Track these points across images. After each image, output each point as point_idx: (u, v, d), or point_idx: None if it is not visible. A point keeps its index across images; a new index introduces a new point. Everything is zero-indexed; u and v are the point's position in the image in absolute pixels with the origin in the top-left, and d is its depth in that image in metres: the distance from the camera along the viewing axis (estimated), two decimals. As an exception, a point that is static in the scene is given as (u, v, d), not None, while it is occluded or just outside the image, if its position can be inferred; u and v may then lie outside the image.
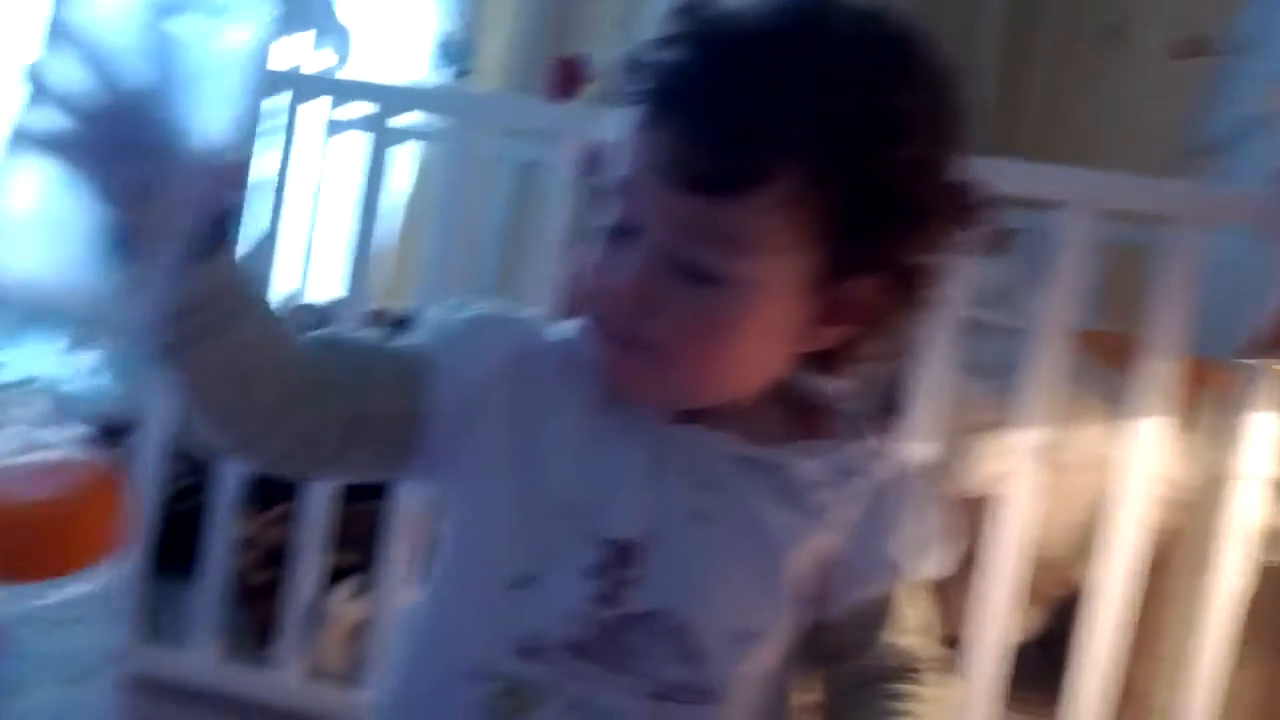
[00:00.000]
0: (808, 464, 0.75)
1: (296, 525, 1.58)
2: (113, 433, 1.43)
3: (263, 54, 0.51)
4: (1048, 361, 1.44)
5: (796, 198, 0.68)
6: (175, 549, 1.57)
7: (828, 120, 0.68)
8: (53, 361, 0.47)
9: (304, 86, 1.70)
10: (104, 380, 0.47)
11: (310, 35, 2.14)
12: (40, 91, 0.48)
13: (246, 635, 1.61)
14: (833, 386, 0.82)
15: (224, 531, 1.60)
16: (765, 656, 0.75)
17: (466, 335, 0.76)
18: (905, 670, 0.77)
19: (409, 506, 1.55)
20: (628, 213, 0.72)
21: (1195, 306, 1.42)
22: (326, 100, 1.72)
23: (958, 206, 0.73)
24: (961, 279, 1.43)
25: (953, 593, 1.28)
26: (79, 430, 0.49)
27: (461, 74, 2.55)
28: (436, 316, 0.78)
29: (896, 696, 0.75)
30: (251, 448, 0.71)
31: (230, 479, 1.60)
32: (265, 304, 0.67)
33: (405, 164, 2.45)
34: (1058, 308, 1.44)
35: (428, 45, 2.56)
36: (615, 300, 0.70)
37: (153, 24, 0.48)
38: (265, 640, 1.60)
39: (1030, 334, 1.45)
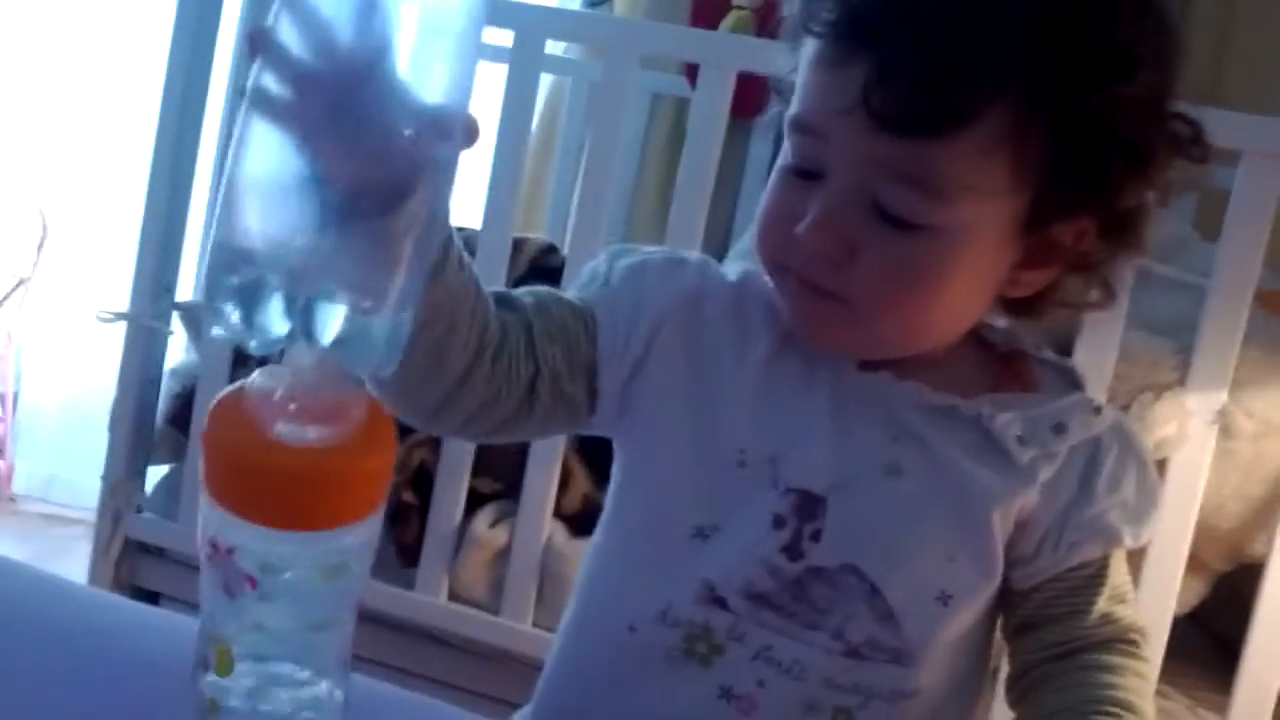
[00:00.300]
0: (1006, 416, 0.71)
1: (441, 450, 1.58)
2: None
3: (482, 11, 0.49)
4: (1224, 320, 1.36)
5: (1009, 137, 0.63)
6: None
7: (1051, 54, 0.62)
8: (311, 320, 0.46)
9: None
10: (353, 342, 0.46)
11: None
12: (265, 56, 0.47)
13: (391, 555, 1.61)
14: (1023, 337, 0.77)
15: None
16: (966, 620, 0.72)
17: (625, 284, 0.73)
18: (1119, 642, 0.72)
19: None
20: (811, 155, 0.68)
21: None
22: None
23: (1180, 146, 0.68)
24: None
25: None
26: (351, 380, 0.47)
27: (594, 4, 2.49)
28: (598, 266, 0.75)
29: (1112, 670, 0.70)
30: (437, 415, 0.67)
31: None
32: (461, 248, 0.63)
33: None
34: (1235, 264, 1.36)
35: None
36: (804, 248, 0.67)
37: None
38: (409, 560, 1.61)
39: (1207, 291, 1.37)
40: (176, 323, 1.78)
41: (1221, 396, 1.36)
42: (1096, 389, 1.37)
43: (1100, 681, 0.69)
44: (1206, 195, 2.00)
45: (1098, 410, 0.73)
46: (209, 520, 0.47)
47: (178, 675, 0.53)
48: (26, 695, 0.61)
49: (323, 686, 0.51)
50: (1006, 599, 0.74)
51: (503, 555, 1.59)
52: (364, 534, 0.48)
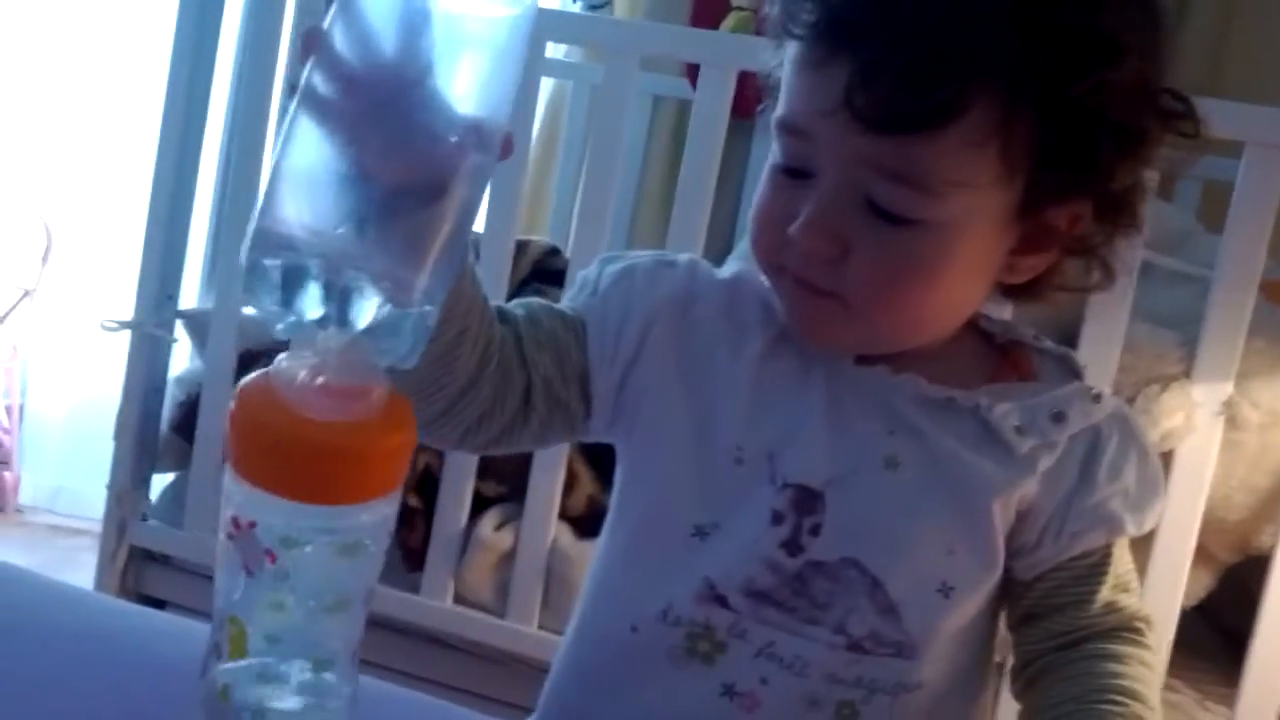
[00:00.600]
0: (1005, 406, 0.71)
1: (446, 454, 1.58)
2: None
3: (528, 28, 0.51)
4: (1229, 312, 1.35)
5: (997, 129, 0.63)
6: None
7: (1033, 45, 0.62)
8: (347, 311, 0.47)
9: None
10: (387, 334, 0.48)
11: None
12: (317, 57, 0.49)
13: (397, 559, 1.61)
14: (1019, 327, 0.77)
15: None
16: (968, 611, 0.71)
17: (613, 289, 0.73)
18: (1124, 630, 0.72)
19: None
20: (799, 155, 0.68)
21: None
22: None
23: (1171, 123, 0.68)
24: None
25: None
26: (376, 366, 0.49)
27: (595, 7, 2.49)
28: (589, 275, 0.75)
29: (1117, 658, 0.70)
30: (438, 424, 0.68)
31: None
32: (474, 260, 0.64)
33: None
34: (1240, 255, 1.35)
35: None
36: (798, 247, 0.67)
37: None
38: (415, 564, 1.61)
39: (1212, 282, 1.36)
40: (180, 330, 1.78)
41: (1227, 388, 1.35)
42: (1102, 381, 1.36)
43: (1106, 670, 0.69)
44: (1210, 187, 2.00)
45: (1097, 398, 0.73)
46: (231, 497, 0.49)
47: (184, 679, 0.53)
48: (34, 699, 0.61)
49: (332, 677, 0.52)
50: (1010, 590, 0.74)
51: (508, 558, 1.58)
52: (381, 512, 0.49)
